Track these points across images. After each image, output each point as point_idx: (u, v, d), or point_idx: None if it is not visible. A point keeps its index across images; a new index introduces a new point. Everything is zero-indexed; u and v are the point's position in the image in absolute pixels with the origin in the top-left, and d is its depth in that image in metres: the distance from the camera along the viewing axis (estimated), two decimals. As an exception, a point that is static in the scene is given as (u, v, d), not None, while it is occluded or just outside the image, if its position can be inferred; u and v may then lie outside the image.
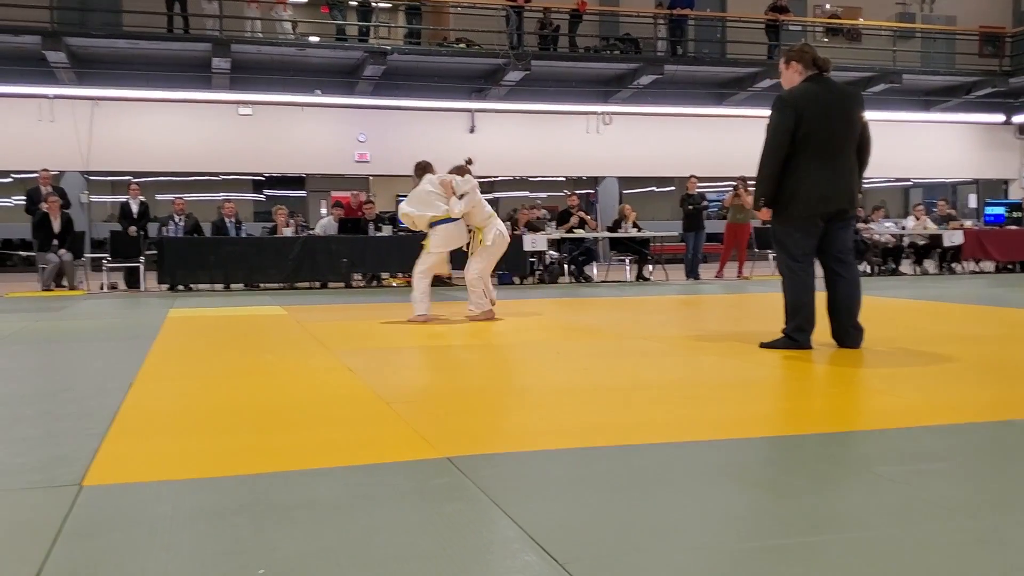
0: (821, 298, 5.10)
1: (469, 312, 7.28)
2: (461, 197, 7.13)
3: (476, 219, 7.32)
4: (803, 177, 4.91)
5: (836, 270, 5.11)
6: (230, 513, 2.15)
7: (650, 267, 14.40)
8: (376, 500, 2.24)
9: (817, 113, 4.89)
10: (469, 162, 7.47)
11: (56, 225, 12.12)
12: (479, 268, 7.32)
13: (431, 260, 7.26)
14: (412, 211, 7.18)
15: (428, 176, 7.26)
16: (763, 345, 5.16)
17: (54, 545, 1.92)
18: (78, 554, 1.87)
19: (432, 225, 7.15)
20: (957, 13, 23.27)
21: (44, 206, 12.21)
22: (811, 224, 4.98)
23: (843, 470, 2.51)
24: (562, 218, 13.93)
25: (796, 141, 4.88)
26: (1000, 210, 16.07)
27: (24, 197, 13.05)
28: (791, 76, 5.11)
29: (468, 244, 7.54)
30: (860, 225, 14.83)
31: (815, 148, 4.90)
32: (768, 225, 5.18)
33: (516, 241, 11.83)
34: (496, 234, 7.34)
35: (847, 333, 5.09)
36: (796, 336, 5.05)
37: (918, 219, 15.41)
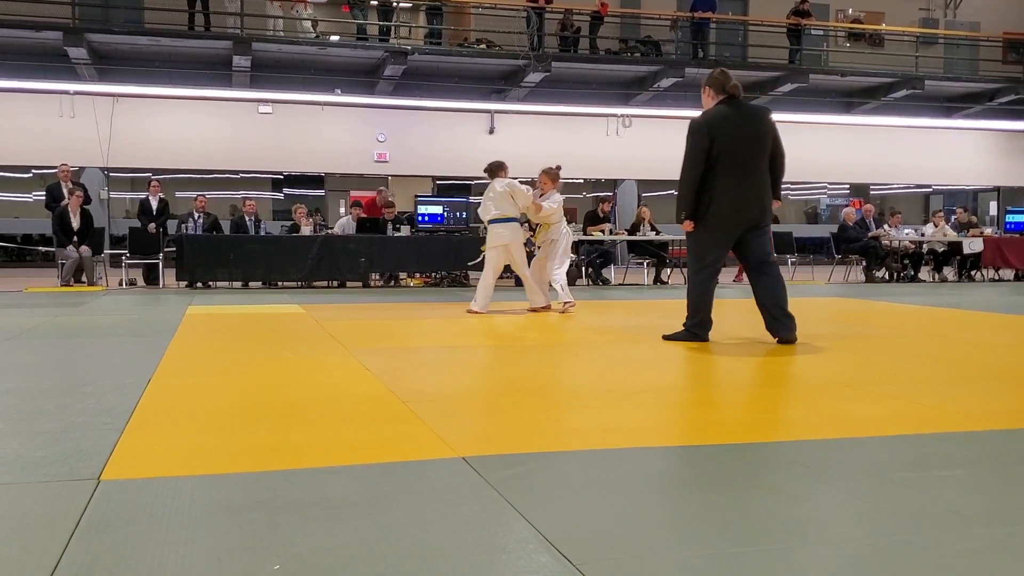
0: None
1: (567, 308, 8.16)
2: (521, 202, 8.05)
3: (554, 218, 8.37)
4: (718, 192, 5.45)
5: (760, 271, 5.67)
6: (246, 509, 2.16)
7: (668, 270, 14.36)
8: (391, 499, 2.25)
9: (729, 134, 5.42)
10: (558, 168, 8.57)
11: (75, 221, 12.22)
12: (551, 266, 8.39)
13: (490, 257, 8.13)
14: (480, 209, 8.32)
15: (499, 180, 8.04)
16: (665, 337, 5.78)
17: (72, 538, 1.93)
18: (96, 547, 1.89)
19: (490, 223, 8.06)
20: (981, 19, 23.11)
21: (65, 201, 12.31)
22: (724, 234, 5.56)
23: (858, 475, 2.50)
24: (591, 220, 13.88)
25: (711, 160, 5.42)
26: (1021, 218, 15.93)
27: (44, 193, 13.17)
28: (707, 100, 5.65)
29: (535, 245, 8.65)
30: (879, 231, 14.76)
31: (728, 165, 5.43)
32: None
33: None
34: (565, 233, 8.42)
35: (779, 322, 5.60)
36: (696, 331, 5.71)
37: (937, 226, 15.30)
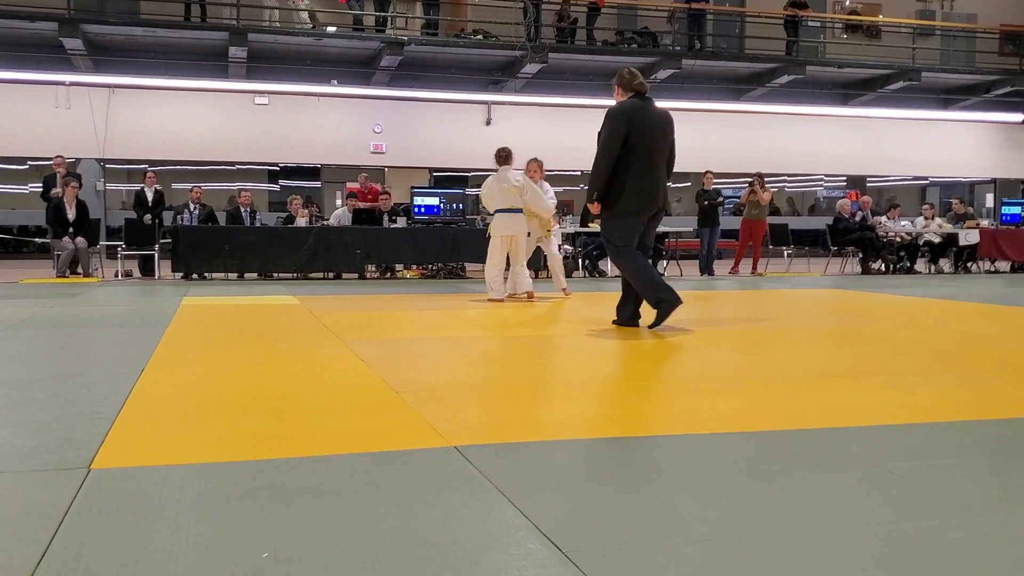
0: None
1: (566, 292, 8.75)
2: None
3: (548, 214, 8.83)
4: (629, 179, 5.76)
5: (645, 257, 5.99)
6: (236, 498, 2.15)
7: (665, 262, 14.36)
8: (382, 487, 2.25)
9: (642, 126, 5.79)
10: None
11: (71, 212, 12.19)
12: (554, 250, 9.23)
13: (493, 246, 8.37)
14: (483, 195, 8.56)
15: (505, 170, 8.27)
16: (651, 327, 5.86)
17: (60, 526, 1.93)
18: (85, 536, 1.88)
19: (495, 212, 8.36)
20: (978, 11, 23.08)
21: (56, 191, 12.28)
22: (635, 219, 5.86)
23: (852, 465, 2.49)
24: (589, 212, 13.85)
25: (625, 148, 5.74)
26: (1016, 210, 15.93)
27: (41, 184, 13.14)
28: (618, 97, 6.00)
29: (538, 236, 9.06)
30: (876, 222, 14.76)
31: (639, 155, 5.76)
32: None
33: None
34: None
35: (633, 314, 6.00)
36: (665, 297, 5.77)
37: (928, 219, 15.32)
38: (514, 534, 1.92)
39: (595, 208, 5.96)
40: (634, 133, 5.74)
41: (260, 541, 1.86)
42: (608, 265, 14.34)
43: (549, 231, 9.21)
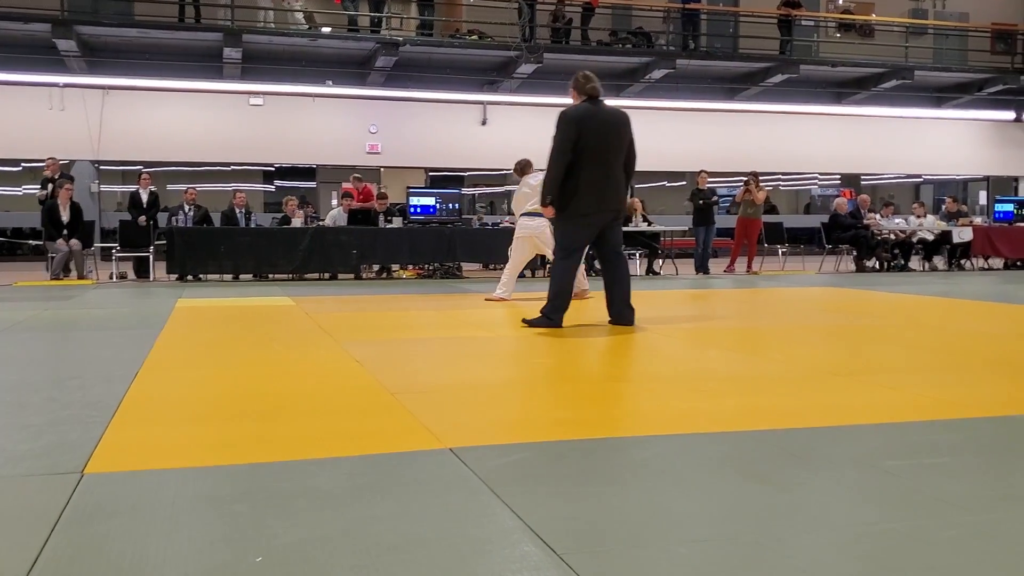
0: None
1: (584, 294, 8.61)
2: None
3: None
4: (583, 183, 5.79)
5: (612, 261, 6.08)
6: (230, 501, 2.15)
7: (660, 261, 14.37)
8: (377, 490, 2.24)
9: (594, 129, 5.82)
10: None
11: (65, 215, 12.16)
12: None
13: (517, 247, 8.53)
14: (514, 204, 8.79)
15: (528, 177, 8.47)
16: (525, 321, 6.04)
17: (53, 531, 1.92)
18: (78, 540, 1.88)
19: (522, 215, 8.51)
20: (970, 10, 23.12)
21: (42, 193, 12.26)
22: (589, 223, 5.91)
23: (845, 463, 2.50)
24: None
25: (577, 151, 5.77)
26: (1009, 207, 15.97)
27: (39, 185, 13.09)
28: (574, 100, 6.05)
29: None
30: (869, 221, 14.78)
31: (591, 158, 5.79)
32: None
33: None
34: None
35: (622, 313, 6.03)
36: (552, 316, 5.95)
37: (919, 217, 15.35)
38: (509, 537, 1.91)
39: (548, 212, 6.03)
40: (585, 137, 5.78)
41: (254, 544, 1.85)
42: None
43: None
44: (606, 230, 6.00)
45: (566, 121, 5.85)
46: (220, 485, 2.28)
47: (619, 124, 5.98)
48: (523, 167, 8.71)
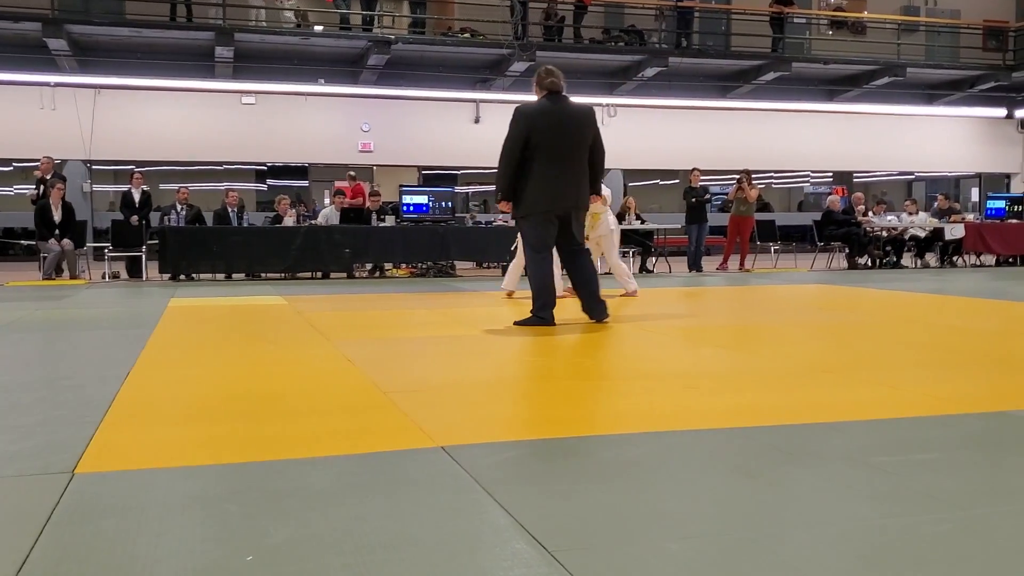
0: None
1: (630, 292, 8.71)
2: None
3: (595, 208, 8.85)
4: (535, 179, 5.78)
5: (573, 258, 6.06)
6: (221, 500, 2.15)
7: (653, 259, 14.39)
8: (368, 488, 2.24)
9: (547, 125, 5.78)
10: None
11: (57, 214, 12.13)
12: (616, 254, 9.03)
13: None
14: None
15: None
16: (517, 323, 5.98)
17: (43, 532, 1.92)
18: (67, 540, 1.87)
19: None
20: (961, 7, 23.20)
21: (33, 193, 12.23)
22: (546, 220, 5.87)
23: (835, 460, 2.50)
24: None
25: (529, 148, 5.74)
26: (1001, 204, 16.03)
27: (32, 185, 13.05)
28: (536, 95, 6.01)
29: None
30: (861, 219, 14.82)
31: (545, 155, 5.75)
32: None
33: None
34: (614, 219, 8.87)
35: (592, 308, 6.06)
36: (542, 314, 5.92)
37: (911, 214, 15.40)
38: (500, 534, 1.92)
39: (504, 206, 6.04)
40: (537, 134, 5.74)
41: (245, 544, 1.85)
42: (598, 262, 14.35)
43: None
44: (565, 227, 5.95)
45: (516, 118, 5.83)
46: (211, 484, 2.28)
47: (579, 120, 5.92)
48: None
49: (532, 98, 6.10)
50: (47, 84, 17.39)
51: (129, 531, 1.92)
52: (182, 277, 12.11)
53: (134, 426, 3.00)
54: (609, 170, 20.84)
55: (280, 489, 2.23)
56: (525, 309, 6.23)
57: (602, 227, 8.74)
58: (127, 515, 2.03)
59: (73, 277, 12.12)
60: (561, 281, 8.50)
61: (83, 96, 17.51)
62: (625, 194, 17.44)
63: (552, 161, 5.77)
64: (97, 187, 18.32)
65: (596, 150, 5.98)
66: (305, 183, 20.20)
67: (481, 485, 2.25)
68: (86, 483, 2.29)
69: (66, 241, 12.05)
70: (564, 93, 5.98)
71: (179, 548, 1.83)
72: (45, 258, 12.02)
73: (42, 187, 12.52)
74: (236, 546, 1.84)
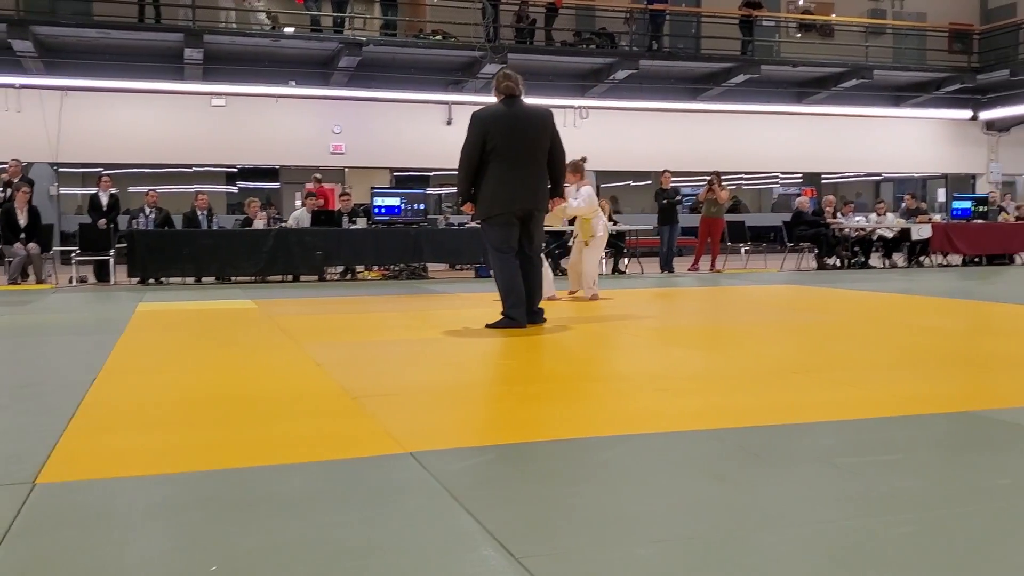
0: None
1: (592, 293, 8.63)
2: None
3: (587, 212, 8.68)
4: (493, 182, 5.84)
5: (524, 265, 6.05)
6: (187, 509, 2.12)
7: (626, 260, 14.43)
8: (335, 496, 2.23)
9: (503, 129, 5.84)
10: (583, 159, 8.70)
11: (22, 218, 11.96)
12: (594, 257, 9.04)
13: (594, 244, 8.80)
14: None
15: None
16: (488, 326, 5.94)
17: (1, 544, 1.88)
18: (27, 553, 1.84)
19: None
20: (927, 10, 23.49)
21: (3, 196, 12.06)
22: (506, 221, 5.90)
23: (803, 461, 2.52)
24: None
25: (487, 152, 5.81)
26: (967, 204, 16.23)
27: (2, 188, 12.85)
28: (496, 98, 6.06)
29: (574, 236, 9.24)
30: (830, 220, 14.95)
31: (502, 158, 5.81)
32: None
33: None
34: (603, 225, 8.82)
35: (533, 312, 6.07)
36: (512, 315, 5.92)
37: (880, 215, 15.56)
38: (468, 540, 1.91)
39: (467, 208, 6.08)
40: (493, 137, 5.80)
41: (211, 553, 1.83)
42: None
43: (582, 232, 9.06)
44: (524, 229, 6.00)
45: (473, 122, 5.91)
46: (177, 493, 2.25)
47: (535, 123, 5.97)
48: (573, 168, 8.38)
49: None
50: (12, 86, 17.14)
51: (91, 542, 1.89)
52: (151, 281, 11.97)
53: (98, 434, 2.96)
54: (593, 172, 21.02)
55: (246, 497, 2.21)
56: (498, 311, 6.23)
57: (598, 229, 8.75)
58: (89, 526, 2.00)
59: (39, 281, 11.96)
60: (552, 283, 8.59)
61: (50, 98, 17.28)
62: (600, 196, 17.46)
63: (509, 163, 5.83)
64: (64, 190, 18.09)
65: (555, 152, 6.02)
66: (276, 185, 20.07)
67: (449, 491, 2.24)
68: (48, 493, 2.26)
69: (32, 245, 11.87)
70: (521, 96, 6.03)
71: (142, 559, 1.80)
72: (10, 262, 11.85)
73: (8, 190, 12.33)
74: (201, 555, 1.82)
